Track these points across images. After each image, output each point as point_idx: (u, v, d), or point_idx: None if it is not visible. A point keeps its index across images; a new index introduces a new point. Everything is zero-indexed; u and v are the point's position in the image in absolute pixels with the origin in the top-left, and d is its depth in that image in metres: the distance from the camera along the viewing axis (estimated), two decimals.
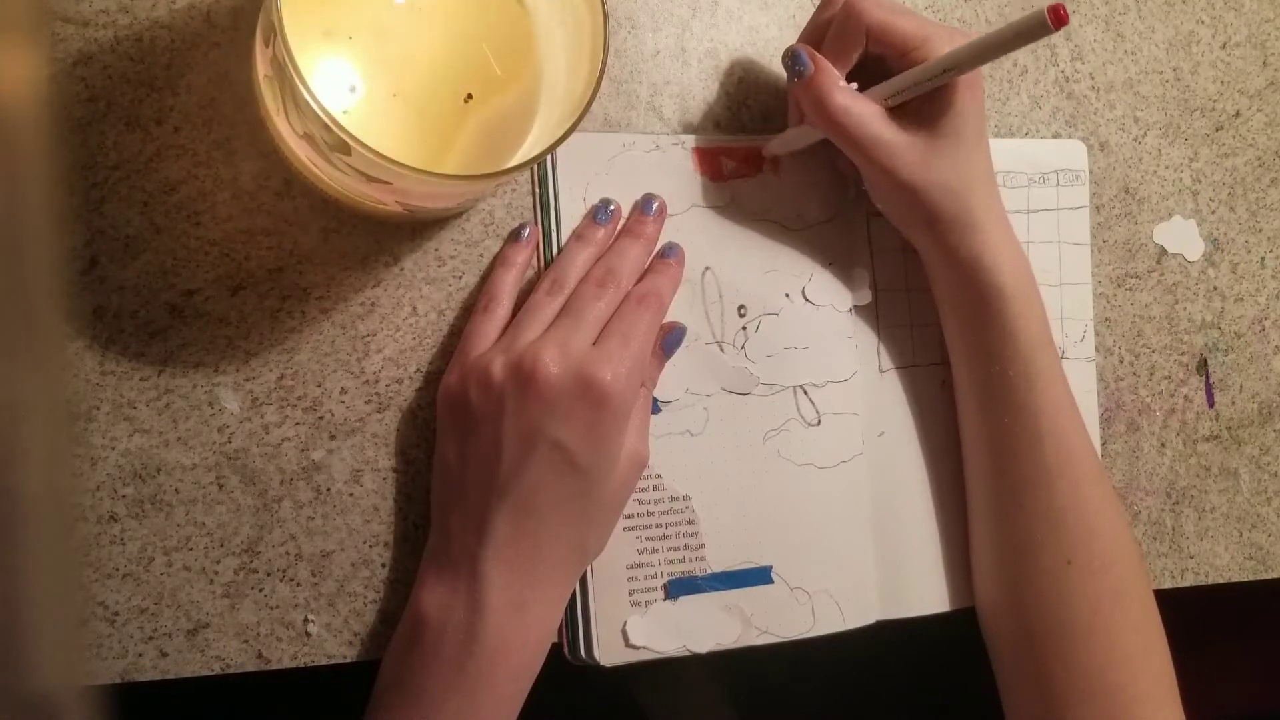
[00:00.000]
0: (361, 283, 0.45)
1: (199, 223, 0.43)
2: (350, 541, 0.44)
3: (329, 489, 0.44)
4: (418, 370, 0.45)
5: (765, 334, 0.49)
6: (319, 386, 0.44)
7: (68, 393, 0.40)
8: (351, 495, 0.44)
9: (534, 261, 0.47)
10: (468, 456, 0.41)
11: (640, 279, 0.46)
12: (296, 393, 0.44)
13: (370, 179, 0.38)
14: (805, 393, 0.49)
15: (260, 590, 0.43)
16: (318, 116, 0.34)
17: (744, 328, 0.49)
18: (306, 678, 0.44)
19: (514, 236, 0.46)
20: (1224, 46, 0.61)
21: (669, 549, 0.47)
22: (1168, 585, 0.58)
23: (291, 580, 0.43)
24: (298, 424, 0.44)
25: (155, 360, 0.42)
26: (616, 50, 0.49)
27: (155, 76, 0.42)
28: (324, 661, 0.43)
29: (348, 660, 0.44)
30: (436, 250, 0.46)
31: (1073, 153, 0.56)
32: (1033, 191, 0.55)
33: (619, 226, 0.47)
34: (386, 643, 0.44)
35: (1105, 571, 0.44)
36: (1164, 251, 0.58)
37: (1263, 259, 0.61)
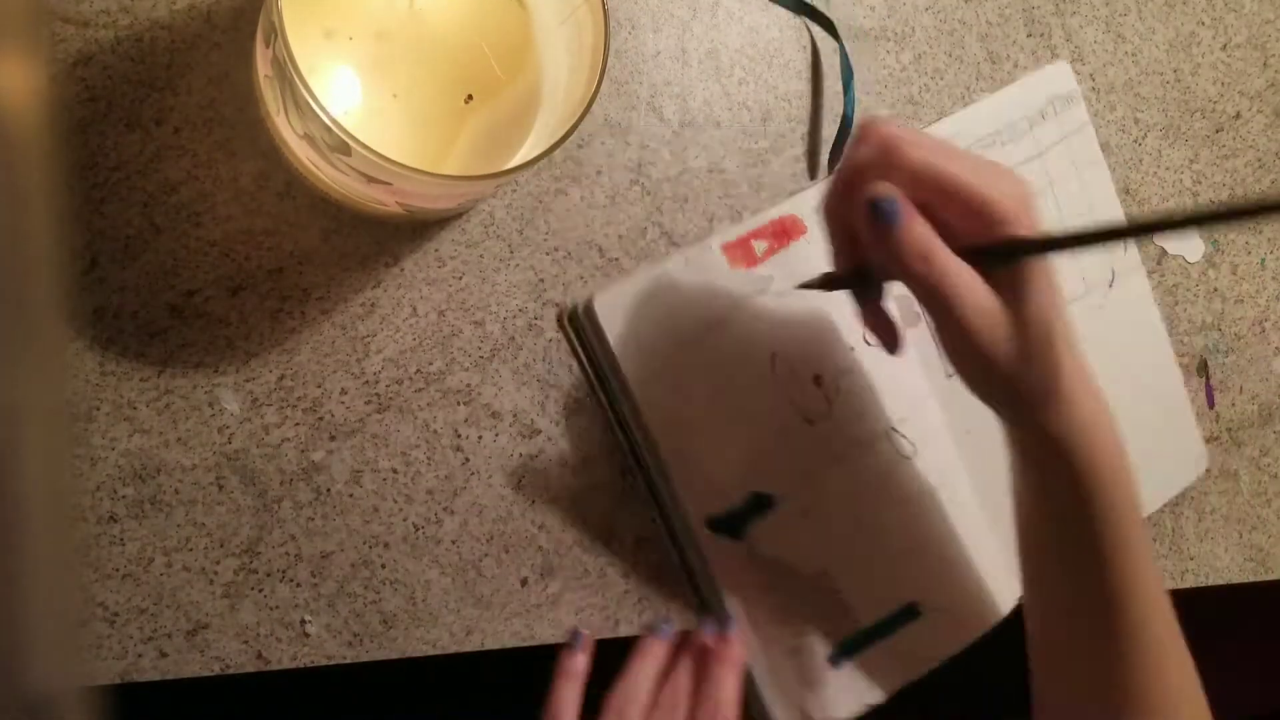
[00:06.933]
0: (361, 283, 0.45)
1: (199, 223, 0.43)
2: (350, 542, 0.44)
3: (329, 490, 0.44)
4: (418, 371, 0.45)
5: (847, 393, 0.49)
6: (319, 387, 0.44)
7: (68, 393, 0.40)
8: (351, 496, 0.44)
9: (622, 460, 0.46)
10: None
11: (700, 684, 0.46)
12: (296, 393, 0.44)
13: (370, 179, 0.38)
14: (896, 429, 0.50)
15: (260, 591, 0.43)
16: (318, 117, 0.34)
17: (826, 396, 0.49)
18: (307, 678, 0.44)
19: (570, 644, 0.46)
20: (1224, 48, 0.61)
21: (820, 622, 0.48)
22: (1168, 586, 0.58)
23: (291, 581, 0.43)
24: (298, 424, 0.44)
25: (155, 360, 0.42)
26: (617, 51, 0.49)
27: (156, 77, 0.42)
28: (323, 662, 0.43)
29: (347, 661, 0.44)
30: (437, 251, 0.46)
31: (1057, 76, 0.54)
32: (1036, 133, 0.54)
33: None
34: (385, 643, 0.44)
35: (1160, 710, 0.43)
36: (1164, 253, 0.58)
37: (1263, 260, 0.61)
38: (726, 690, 0.45)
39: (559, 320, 0.47)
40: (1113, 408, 0.53)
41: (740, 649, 0.46)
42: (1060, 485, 0.42)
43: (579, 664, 0.45)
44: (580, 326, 0.46)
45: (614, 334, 0.46)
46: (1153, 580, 0.44)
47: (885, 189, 0.37)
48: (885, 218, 0.37)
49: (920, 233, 0.37)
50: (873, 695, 0.49)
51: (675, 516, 0.47)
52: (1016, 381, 0.39)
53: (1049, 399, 0.40)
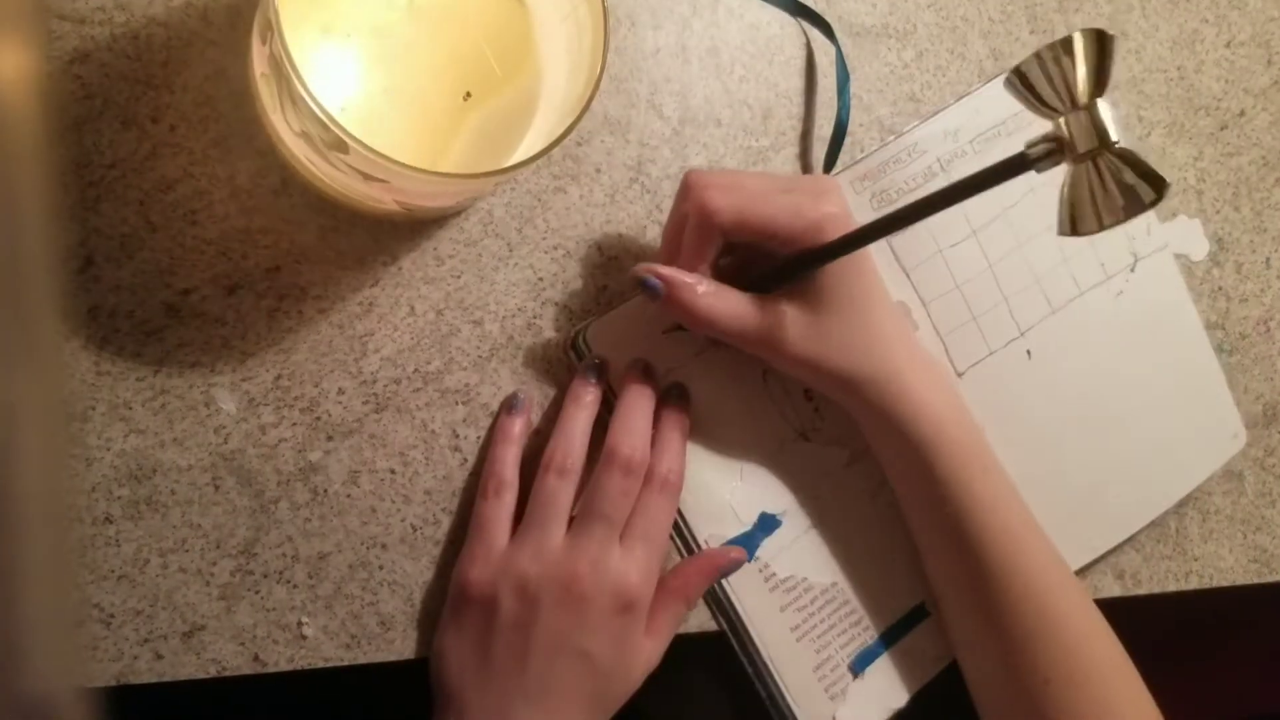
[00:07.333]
0: (359, 282, 0.44)
1: (195, 222, 0.42)
2: (347, 543, 0.44)
3: (326, 490, 0.44)
4: (415, 370, 0.45)
5: (834, 405, 0.48)
6: (316, 387, 0.44)
7: (63, 393, 0.39)
8: (349, 496, 0.44)
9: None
10: (493, 656, 0.42)
11: (653, 445, 0.45)
12: (293, 393, 0.43)
13: (368, 178, 0.37)
14: None
15: (256, 592, 0.42)
16: (315, 114, 0.34)
17: (816, 409, 0.49)
18: (304, 680, 0.43)
19: (508, 407, 0.45)
20: (1228, 45, 0.60)
21: (838, 634, 0.48)
22: (1172, 588, 0.57)
23: (288, 582, 0.43)
24: (295, 424, 0.43)
25: (151, 360, 0.42)
26: (617, 48, 0.49)
27: (152, 74, 0.42)
28: (320, 664, 0.43)
29: (344, 663, 0.43)
30: (435, 250, 0.46)
31: None
32: (1040, 121, 0.53)
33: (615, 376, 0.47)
34: (383, 645, 0.44)
35: (1085, 684, 0.44)
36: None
37: (1268, 259, 0.61)
38: (677, 456, 0.45)
39: (564, 350, 0.47)
40: (1138, 390, 0.55)
41: (687, 417, 0.46)
42: (901, 459, 0.46)
43: (517, 426, 0.45)
44: (581, 356, 0.47)
45: (611, 360, 0.46)
46: (1017, 530, 0.45)
47: (644, 269, 0.43)
48: (651, 293, 0.43)
49: (681, 296, 0.43)
50: (895, 699, 0.49)
51: (692, 544, 0.47)
52: (829, 370, 0.44)
53: (866, 382, 0.44)
